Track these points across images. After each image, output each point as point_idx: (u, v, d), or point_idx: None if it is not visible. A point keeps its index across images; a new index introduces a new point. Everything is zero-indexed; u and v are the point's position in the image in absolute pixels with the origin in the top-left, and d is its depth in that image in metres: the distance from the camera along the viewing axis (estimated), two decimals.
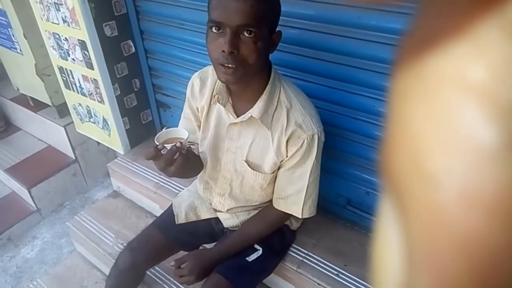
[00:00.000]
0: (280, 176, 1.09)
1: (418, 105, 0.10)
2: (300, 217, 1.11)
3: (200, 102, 1.11)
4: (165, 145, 0.95)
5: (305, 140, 1.00)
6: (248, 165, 1.09)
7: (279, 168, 1.08)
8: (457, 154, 0.09)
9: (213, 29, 0.86)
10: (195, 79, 1.12)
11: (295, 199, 1.09)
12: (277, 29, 0.95)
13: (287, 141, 1.02)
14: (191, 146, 1.19)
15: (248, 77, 0.91)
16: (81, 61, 1.76)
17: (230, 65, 0.86)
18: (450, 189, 0.09)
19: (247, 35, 0.85)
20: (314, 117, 1.01)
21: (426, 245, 0.10)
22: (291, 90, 1.03)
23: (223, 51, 0.85)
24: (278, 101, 1.01)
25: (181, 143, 0.95)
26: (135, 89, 1.90)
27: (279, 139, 1.03)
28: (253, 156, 1.08)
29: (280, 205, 1.12)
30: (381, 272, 0.12)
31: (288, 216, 1.15)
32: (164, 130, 1.02)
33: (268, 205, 1.18)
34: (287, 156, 1.04)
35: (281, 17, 1.24)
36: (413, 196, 0.10)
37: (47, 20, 1.76)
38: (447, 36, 0.09)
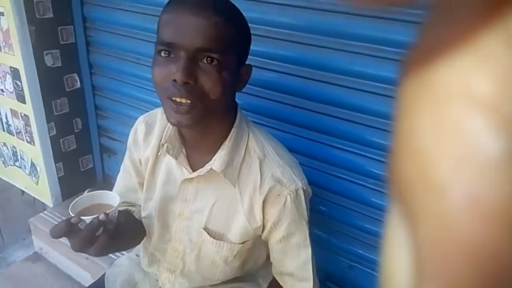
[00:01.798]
0: (274, 249, 0.87)
1: (424, 116, 0.10)
2: None
3: (144, 153, 0.89)
4: (83, 217, 0.70)
5: (288, 198, 0.79)
6: (208, 233, 0.85)
7: (260, 237, 0.86)
8: (463, 164, 0.09)
9: (162, 54, 0.67)
10: (139, 124, 0.90)
11: (303, 275, 0.86)
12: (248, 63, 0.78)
13: (264, 202, 0.81)
14: (131, 208, 0.95)
15: (209, 118, 0.71)
16: (11, 92, 1.50)
17: (184, 100, 0.66)
18: (457, 198, 0.09)
19: (207, 62, 0.66)
20: (295, 168, 0.82)
21: (434, 254, 0.10)
22: (262, 135, 0.83)
23: (175, 80, 0.64)
24: (246, 149, 0.81)
25: (106, 214, 0.70)
26: (76, 130, 1.66)
27: (251, 199, 0.81)
28: (215, 223, 0.85)
29: (287, 283, 0.89)
30: (389, 280, 0.12)
31: None
32: (85, 193, 0.78)
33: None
34: (264, 221, 0.82)
35: (258, 58, 1.10)
36: (421, 205, 0.10)
37: None
38: (451, 48, 0.10)
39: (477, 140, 0.09)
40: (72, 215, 0.71)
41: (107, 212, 0.71)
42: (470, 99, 0.09)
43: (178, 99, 0.66)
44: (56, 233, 0.69)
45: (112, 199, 0.77)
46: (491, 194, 0.09)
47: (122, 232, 0.77)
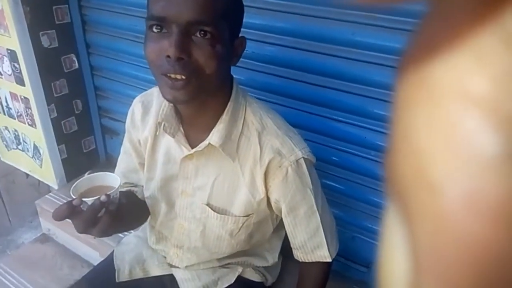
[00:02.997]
0: (285, 224, 0.87)
1: (421, 114, 0.10)
2: (330, 260, 0.89)
3: (142, 133, 0.88)
4: (85, 199, 0.70)
5: (289, 168, 0.78)
6: (212, 209, 0.86)
7: (266, 210, 0.86)
8: (460, 162, 0.09)
9: (154, 29, 0.65)
10: (136, 105, 0.89)
11: (315, 242, 0.87)
12: (248, 45, 0.76)
13: (265, 174, 0.80)
14: (134, 188, 0.95)
15: (204, 93, 0.70)
16: (10, 75, 1.48)
17: (178, 76, 0.64)
18: (454, 196, 0.09)
19: (200, 36, 0.64)
20: (294, 138, 0.80)
21: (431, 251, 0.10)
22: (260, 107, 0.82)
23: (168, 56, 0.63)
24: (244, 122, 0.80)
25: (107, 195, 0.70)
26: (76, 112, 1.64)
27: (252, 171, 0.81)
28: (218, 198, 0.85)
29: (301, 257, 0.90)
30: (387, 279, 0.12)
31: (325, 265, 0.92)
32: (86, 175, 0.78)
33: (299, 269, 0.96)
34: (268, 193, 0.82)
35: (256, 31, 1.08)
36: (418, 203, 0.10)
37: None
38: (448, 46, 0.10)
39: (474, 139, 0.09)
40: (74, 197, 0.71)
41: (108, 193, 0.71)
42: (467, 97, 0.09)
43: (172, 75, 0.65)
44: (59, 216, 0.70)
45: (113, 180, 0.77)
46: (488, 192, 0.09)
47: (125, 212, 0.78)
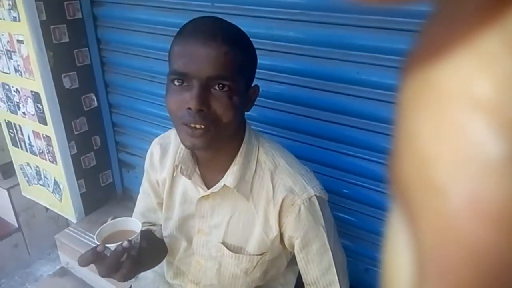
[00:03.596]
0: (298, 260, 0.87)
1: (425, 117, 0.10)
2: None
3: (161, 174, 0.91)
4: (108, 245, 0.73)
5: (302, 206, 0.80)
6: (227, 247, 0.88)
7: (280, 247, 0.88)
8: (464, 165, 0.09)
9: (175, 82, 0.69)
10: (154, 146, 0.93)
11: (328, 280, 0.86)
12: (257, 82, 0.80)
13: (279, 212, 0.82)
14: (152, 227, 0.98)
15: (221, 140, 0.73)
16: (33, 115, 1.55)
17: (198, 126, 0.68)
18: (458, 199, 0.09)
19: (219, 89, 0.69)
20: (306, 175, 0.82)
21: (435, 254, 0.10)
22: (272, 147, 0.85)
23: (189, 108, 0.67)
24: (257, 163, 0.83)
25: (129, 241, 0.73)
26: (95, 147, 1.71)
27: (265, 211, 0.83)
28: (233, 237, 0.87)
29: None
30: (391, 281, 0.12)
31: None
32: (109, 220, 0.81)
33: None
34: (281, 230, 0.84)
35: (267, 72, 1.14)
36: (422, 206, 0.10)
37: None
38: (451, 49, 0.10)
39: (478, 142, 0.09)
40: (98, 242, 0.74)
41: (130, 238, 0.74)
42: (471, 100, 0.09)
43: (193, 125, 0.68)
44: (84, 262, 0.73)
45: (134, 225, 0.80)
46: (492, 195, 0.09)
47: (145, 255, 0.80)
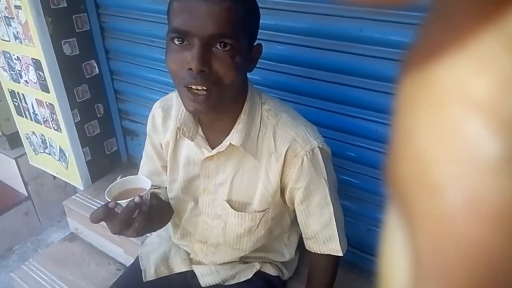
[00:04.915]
0: (298, 212, 0.88)
1: (423, 116, 0.10)
2: (341, 255, 0.90)
3: (164, 137, 0.90)
4: (119, 201, 0.73)
5: (304, 158, 0.79)
6: (231, 205, 0.88)
7: (283, 204, 0.88)
8: (461, 165, 0.09)
9: (175, 41, 0.66)
10: (156, 110, 0.91)
11: (327, 234, 0.87)
12: (258, 42, 0.77)
13: (283, 165, 0.81)
14: (157, 190, 0.98)
15: (224, 102, 0.72)
16: (35, 83, 1.55)
17: (200, 88, 0.67)
18: (455, 198, 0.09)
19: (221, 48, 0.66)
20: (309, 128, 0.81)
21: (432, 253, 0.10)
22: (275, 103, 0.84)
23: (190, 68, 0.65)
24: (261, 120, 0.81)
25: (140, 196, 0.73)
26: (98, 115, 1.70)
27: (266, 165, 0.82)
28: (237, 194, 0.87)
29: (313, 247, 0.91)
30: (388, 281, 0.12)
31: (335, 259, 0.93)
32: (118, 179, 0.81)
33: (309, 260, 0.97)
34: (283, 183, 0.84)
35: (267, 32, 1.11)
36: (419, 205, 0.10)
37: None
38: (449, 49, 0.10)
39: (475, 142, 0.09)
40: (108, 200, 0.74)
41: (141, 194, 0.74)
42: (469, 101, 0.09)
43: (194, 87, 0.67)
44: (96, 218, 0.73)
45: (143, 182, 0.80)
46: (489, 195, 0.09)
47: (155, 213, 0.81)
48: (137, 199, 0.73)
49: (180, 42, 0.66)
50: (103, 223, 0.76)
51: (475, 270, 0.09)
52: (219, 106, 0.71)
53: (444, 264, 0.10)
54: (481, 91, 0.09)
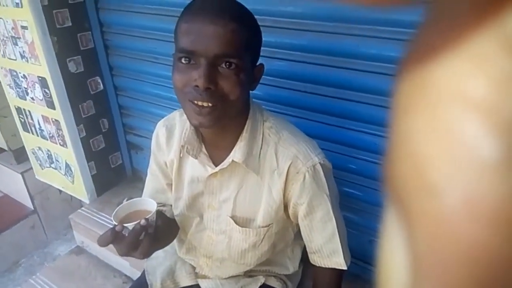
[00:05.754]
0: (302, 227, 0.89)
1: (420, 117, 0.10)
2: (345, 268, 0.91)
3: (168, 156, 0.92)
4: (126, 224, 0.75)
5: (306, 174, 0.81)
6: (235, 221, 0.90)
7: (286, 219, 0.90)
8: (459, 165, 0.09)
9: (183, 60, 0.69)
10: (160, 129, 0.94)
11: (331, 248, 0.88)
12: (260, 61, 0.80)
13: (285, 181, 0.83)
14: (162, 208, 0.99)
15: (227, 118, 0.74)
16: (41, 100, 1.58)
17: (205, 104, 0.69)
18: (453, 199, 0.09)
19: (226, 67, 0.69)
20: (310, 144, 0.83)
21: (430, 254, 0.10)
22: (276, 120, 0.86)
23: (197, 86, 0.68)
24: (263, 137, 0.83)
25: (146, 219, 0.75)
26: (103, 130, 1.73)
27: (269, 181, 0.84)
28: (241, 210, 0.89)
29: (317, 261, 0.92)
30: (386, 281, 0.12)
31: (339, 273, 0.94)
32: (124, 201, 0.83)
33: (313, 274, 0.98)
34: (286, 200, 0.85)
35: (268, 48, 1.13)
36: (417, 206, 0.10)
37: (3, 55, 1.58)
38: (446, 49, 0.09)
39: (473, 143, 0.09)
40: (115, 223, 0.76)
41: (147, 217, 0.76)
42: (466, 101, 0.09)
43: (200, 103, 0.69)
44: (103, 242, 0.75)
45: (149, 204, 0.82)
46: (486, 196, 0.09)
47: (161, 233, 0.82)
48: (143, 222, 0.75)
49: (187, 62, 0.69)
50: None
51: (473, 270, 0.09)
52: (222, 120, 0.73)
53: (442, 265, 0.10)
54: (478, 92, 0.09)
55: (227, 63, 0.68)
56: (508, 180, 0.09)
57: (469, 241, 0.09)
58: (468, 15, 0.09)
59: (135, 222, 0.75)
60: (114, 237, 0.74)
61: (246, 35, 0.69)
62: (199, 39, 0.67)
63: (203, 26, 0.66)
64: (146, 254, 0.79)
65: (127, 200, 0.82)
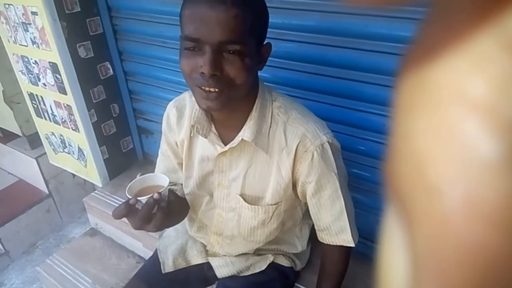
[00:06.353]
0: (310, 206, 0.91)
1: (421, 117, 0.10)
2: (353, 245, 0.93)
3: (179, 136, 0.95)
4: (139, 198, 0.77)
5: (315, 152, 0.82)
6: (245, 199, 0.92)
7: (294, 198, 0.91)
8: (459, 166, 0.09)
9: (188, 47, 0.70)
10: (170, 109, 0.95)
11: (339, 226, 0.90)
12: (267, 41, 0.79)
13: (294, 160, 0.84)
14: (173, 187, 1.02)
15: (235, 100, 0.76)
16: (53, 85, 1.60)
17: (212, 89, 0.71)
18: (454, 199, 0.09)
19: (230, 53, 0.69)
20: (319, 123, 0.84)
21: (430, 255, 0.10)
22: (285, 100, 0.86)
23: (203, 72, 0.69)
24: (271, 116, 0.84)
25: (159, 193, 0.77)
26: (114, 115, 1.75)
27: (278, 159, 0.86)
28: (250, 188, 0.91)
29: (325, 239, 0.94)
30: (387, 281, 0.12)
31: (347, 250, 0.96)
32: (138, 177, 0.85)
33: (322, 252, 1.01)
34: (294, 178, 0.87)
35: (275, 30, 1.13)
36: (418, 206, 0.10)
37: (15, 42, 1.60)
38: (447, 49, 0.09)
39: (473, 142, 0.09)
40: (129, 197, 0.78)
41: (160, 191, 0.78)
42: (466, 101, 0.09)
43: (207, 88, 0.71)
44: (118, 215, 0.77)
45: (161, 180, 0.84)
46: (488, 196, 0.09)
47: (173, 208, 0.85)
48: (156, 195, 0.77)
49: (192, 48, 0.70)
50: (123, 219, 0.81)
51: (474, 271, 0.09)
52: (230, 103, 0.74)
53: (442, 265, 0.10)
54: (479, 91, 0.09)
55: (232, 49, 0.69)
56: (509, 179, 0.09)
57: (470, 241, 0.09)
58: (468, 15, 0.09)
59: (148, 196, 0.77)
60: (128, 210, 0.77)
61: (250, 19, 0.69)
62: (202, 27, 0.67)
63: (205, 12, 0.67)
64: (159, 227, 0.81)
65: (140, 175, 0.84)
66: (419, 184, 0.10)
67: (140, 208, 0.78)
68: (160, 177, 0.85)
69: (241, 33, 0.68)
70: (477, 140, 0.09)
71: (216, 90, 0.70)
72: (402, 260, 0.11)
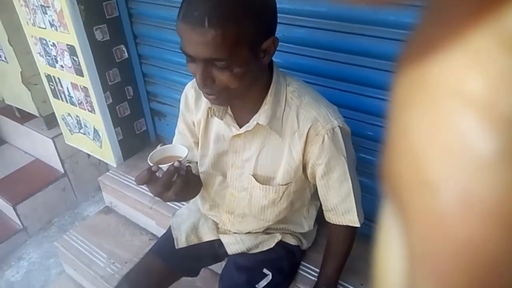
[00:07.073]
0: (319, 187, 0.95)
1: (418, 113, 0.10)
2: (358, 225, 0.97)
3: (196, 116, 0.99)
4: (160, 165, 0.82)
5: (325, 136, 0.85)
6: (256, 179, 0.96)
7: (304, 179, 0.95)
8: (455, 162, 0.09)
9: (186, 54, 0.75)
10: (189, 90, 0.99)
11: (345, 207, 0.94)
12: (278, 29, 0.80)
13: (305, 143, 0.87)
14: (189, 165, 1.06)
15: (238, 95, 0.80)
16: (70, 67, 1.65)
17: (209, 93, 0.77)
18: (449, 196, 0.09)
19: (219, 66, 0.72)
20: (331, 108, 0.87)
21: (426, 251, 0.10)
22: (299, 85, 0.89)
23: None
24: (285, 100, 0.87)
25: (179, 162, 0.82)
26: (128, 97, 1.80)
27: (290, 142, 0.89)
28: (262, 169, 0.95)
29: (332, 219, 0.98)
30: (383, 277, 0.12)
31: (352, 230, 1.01)
32: (158, 147, 0.89)
33: (328, 231, 1.06)
34: (305, 160, 0.91)
35: (288, 16, 1.16)
36: (414, 203, 0.10)
37: (33, 24, 1.65)
38: (445, 45, 0.09)
39: (470, 139, 0.09)
40: (151, 164, 0.83)
41: (180, 160, 0.83)
42: (463, 97, 0.09)
43: (205, 92, 0.77)
44: (141, 180, 0.82)
45: (181, 151, 0.88)
46: (483, 192, 0.09)
47: (191, 179, 0.90)
48: (176, 163, 0.82)
49: (190, 58, 0.74)
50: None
51: (470, 267, 0.09)
52: (234, 100, 0.80)
53: (439, 262, 0.10)
54: (476, 88, 0.09)
55: (219, 64, 0.72)
56: (505, 176, 0.09)
57: (466, 237, 0.09)
58: (466, 11, 0.09)
59: (169, 164, 0.81)
60: (150, 177, 0.82)
61: (233, 34, 0.68)
62: (188, 44, 0.71)
63: (187, 33, 0.70)
64: (178, 195, 0.85)
65: (161, 146, 0.89)
66: (415, 181, 0.10)
67: (160, 175, 0.82)
68: (179, 148, 0.89)
69: (224, 50, 0.69)
70: (473, 136, 0.09)
71: (213, 95, 0.77)
72: (398, 256, 0.11)
